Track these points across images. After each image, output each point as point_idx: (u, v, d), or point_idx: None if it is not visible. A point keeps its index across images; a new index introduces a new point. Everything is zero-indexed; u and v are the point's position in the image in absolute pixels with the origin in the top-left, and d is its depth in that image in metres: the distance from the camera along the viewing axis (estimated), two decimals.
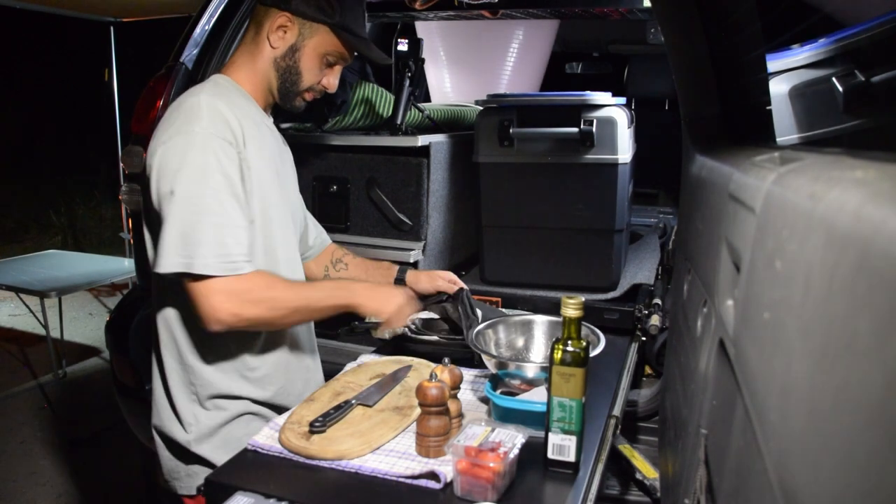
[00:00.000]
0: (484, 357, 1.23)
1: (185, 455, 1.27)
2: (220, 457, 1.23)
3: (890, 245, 0.29)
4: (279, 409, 1.31)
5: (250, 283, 1.14)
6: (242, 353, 1.27)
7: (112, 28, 4.75)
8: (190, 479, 1.28)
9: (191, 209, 1.11)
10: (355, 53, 1.34)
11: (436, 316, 1.51)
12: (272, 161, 1.30)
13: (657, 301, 1.71)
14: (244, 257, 1.14)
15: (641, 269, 1.99)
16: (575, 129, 1.69)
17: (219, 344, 1.24)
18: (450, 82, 2.99)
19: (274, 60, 1.29)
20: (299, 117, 1.93)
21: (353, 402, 1.17)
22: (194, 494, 1.27)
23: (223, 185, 1.13)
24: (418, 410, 1.06)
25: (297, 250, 1.41)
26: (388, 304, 1.29)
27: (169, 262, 1.10)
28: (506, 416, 1.13)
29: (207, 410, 1.26)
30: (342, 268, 1.58)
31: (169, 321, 1.26)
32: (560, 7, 2.19)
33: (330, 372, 1.36)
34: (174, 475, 1.30)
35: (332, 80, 1.34)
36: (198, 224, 1.10)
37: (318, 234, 1.59)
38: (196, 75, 1.93)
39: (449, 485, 0.97)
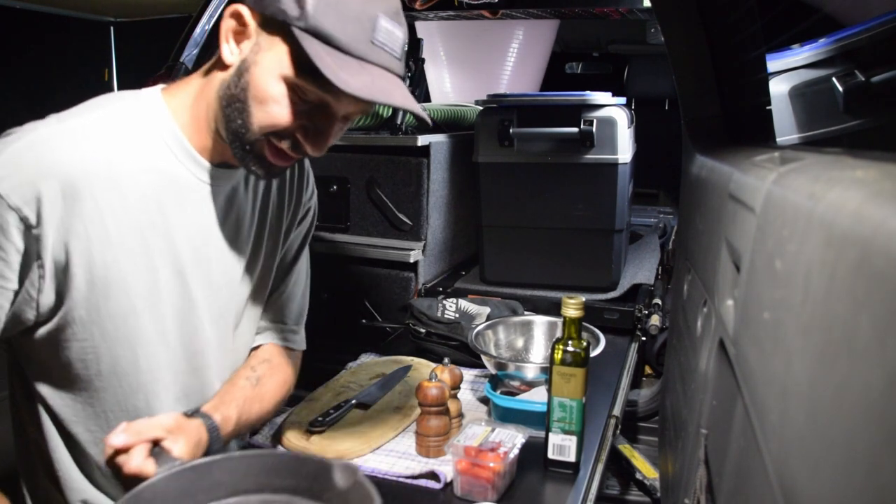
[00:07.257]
0: (484, 357, 1.23)
1: None
2: None
3: (890, 245, 0.29)
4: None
5: None
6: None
7: (112, 28, 4.76)
8: None
9: None
10: (365, 100, 0.77)
11: None
12: (168, 234, 0.88)
13: (657, 301, 1.71)
14: None
15: (641, 269, 1.99)
16: (575, 129, 1.69)
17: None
18: (450, 82, 2.99)
19: (221, 84, 0.84)
20: None
21: (353, 401, 1.17)
22: None
23: None
24: (418, 410, 1.06)
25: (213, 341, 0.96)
26: None
27: None
28: (506, 416, 1.14)
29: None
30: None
31: None
32: (560, 7, 2.19)
33: (330, 372, 1.36)
34: None
35: (317, 141, 0.83)
36: None
37: (264, 330, 1.08)
38: None
39: (449, 485, 0.98)
